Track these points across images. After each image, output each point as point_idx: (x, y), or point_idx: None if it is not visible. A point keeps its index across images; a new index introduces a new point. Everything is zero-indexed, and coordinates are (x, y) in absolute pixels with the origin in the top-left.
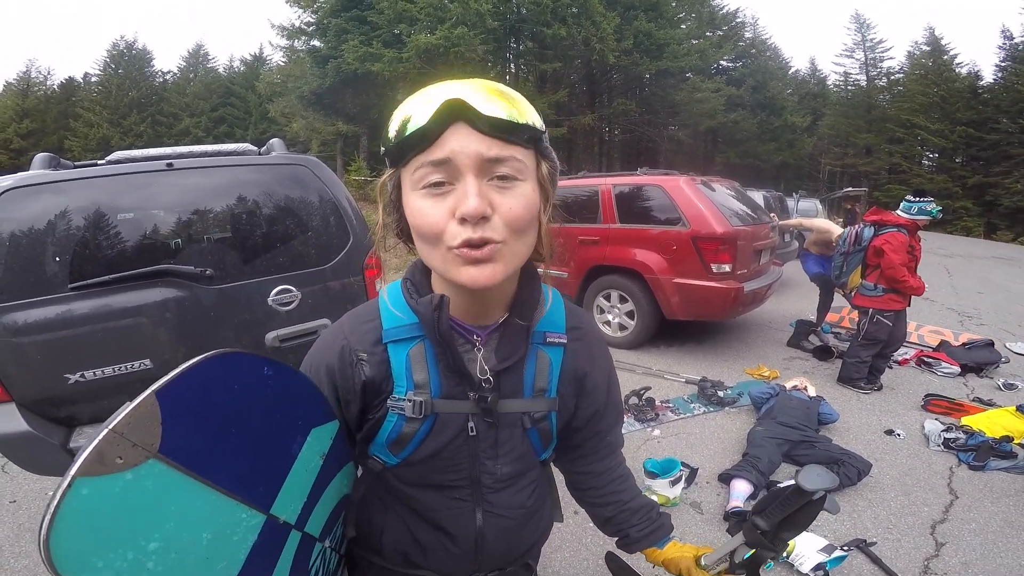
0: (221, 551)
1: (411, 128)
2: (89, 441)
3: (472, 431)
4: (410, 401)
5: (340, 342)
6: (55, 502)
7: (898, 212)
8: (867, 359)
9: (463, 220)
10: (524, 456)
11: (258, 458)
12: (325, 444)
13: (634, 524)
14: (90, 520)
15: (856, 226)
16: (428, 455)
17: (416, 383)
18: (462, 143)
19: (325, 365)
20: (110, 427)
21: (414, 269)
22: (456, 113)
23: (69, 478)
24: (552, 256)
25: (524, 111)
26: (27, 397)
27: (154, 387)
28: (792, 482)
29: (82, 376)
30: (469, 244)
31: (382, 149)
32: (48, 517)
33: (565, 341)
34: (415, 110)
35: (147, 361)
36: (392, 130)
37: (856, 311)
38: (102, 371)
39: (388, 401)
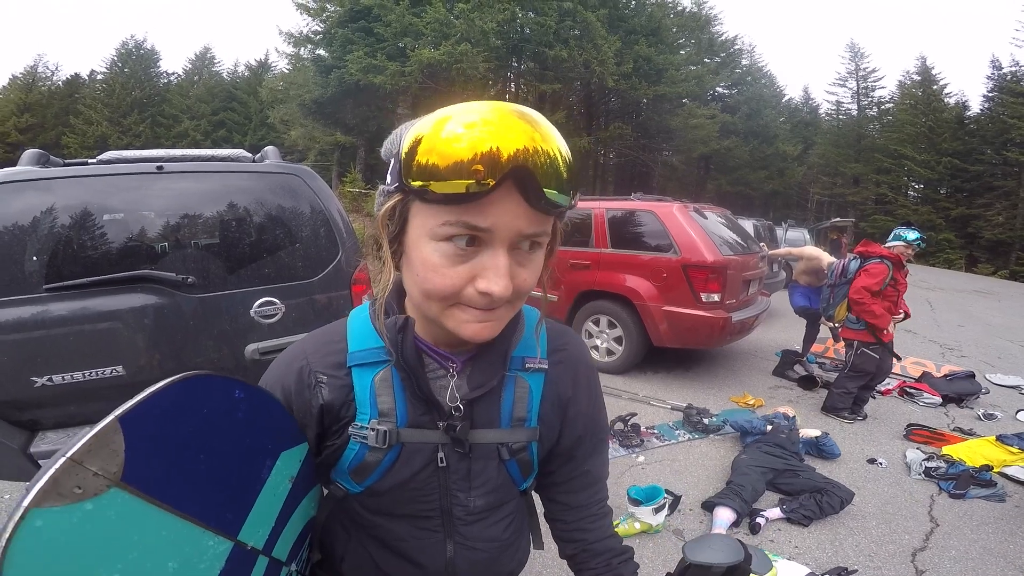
0: None
1: (455, 176)
2: (45, 469)
3: (442, 462)
4: (373, 430)
5: (299, 362)
6: (7, 534)
7: (892, 245)
8: (853, 390)
9: (486, 294)
10: (501, 488)
11: (226, 483)
12: (294, 467)
13: (591, 568)
14: (45, 552)
15: (844, 259)
16: (394, 485)
17: (381, 410)
18: (508, 217)
19: (281, 386)
20: (68, 455)
21: (393, 293)
22: (518, 182)
23: (22, 509)
24: (545, 302)
25: (575, 180)
26: None
27: (117, 412)
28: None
29: (49, 380)
30: (482, 310)
31: (396, 166)
32: None
33: (546, 367)
34: (462, 154)
35: (119, 368)
36: (422, 157)
37: (843, 343)
38: (71, 376)
39: (350, 428)
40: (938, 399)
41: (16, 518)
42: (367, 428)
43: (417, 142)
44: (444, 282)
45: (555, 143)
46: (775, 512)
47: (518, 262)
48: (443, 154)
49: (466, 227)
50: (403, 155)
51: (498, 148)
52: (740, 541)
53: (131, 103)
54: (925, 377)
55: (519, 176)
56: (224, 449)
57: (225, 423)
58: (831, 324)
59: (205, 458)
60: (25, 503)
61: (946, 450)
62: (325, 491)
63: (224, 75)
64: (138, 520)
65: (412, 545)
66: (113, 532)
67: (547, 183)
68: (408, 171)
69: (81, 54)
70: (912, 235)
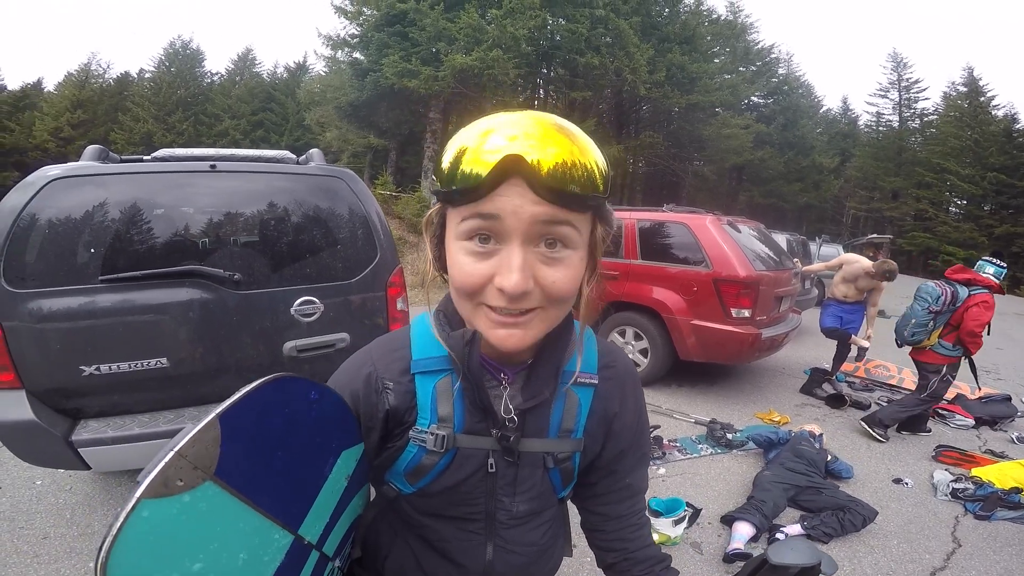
0: (251, 570)
1: (465, 173)
2: (154, 462)
3: (492, 468)
4: (432, 434)
5: (367, 368)
6: (119, 523)
7: (987, 274)
8: (916, 412)
9: (502, 291)
10: (543, 495)
11: (295, 479)
12: (351, 466)
13: (633, 575)
14: (147, 542)
15: (949, 286)
16: (445, 488)
17: (440, 416)
18: (515, 203)
19: (350, 390)
20: (175, 449)
21: (447, 301)
22: (514, 169)
23: (134, 500)
24: (587, 320)
25: (593, 168)
26: (39, 386)
27: (218, 410)
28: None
29: (97, 369)
30: (505, 312)
31: (432, 179)
32: (110, 538)
33: (596, 382)
34: (473, 153)
35: (163, 360)
36: (446, 163)
37: (918, 368)
38: (117, 366)
39: (410, 432)
40: (971, 421)
41: (128, 508)
42: (426, 432)
43: (448, 152)
44: (467, 279)
45: (566, 131)
46: (795, 528)
47: (543, 261)
48: (458, 156)
49: (478, 216)
50: (438, 163)
51: (500, 138)
52: (815, 546)
53: (176, 101)
54: (959, 399)
55: (516, 163)
56: (298, 447)
57: (301, 422)
58: (863, 344)
59: (282, 455)
60: (137, 493)
61: (975, 472)
62: (373, 491)
63: (264, 76)
64: (223, 512)
65: (455, 546)
66: (202, 523)
67: (550, 171)
68: (439, 173)
69: (131, 53)
70: (999, 268)
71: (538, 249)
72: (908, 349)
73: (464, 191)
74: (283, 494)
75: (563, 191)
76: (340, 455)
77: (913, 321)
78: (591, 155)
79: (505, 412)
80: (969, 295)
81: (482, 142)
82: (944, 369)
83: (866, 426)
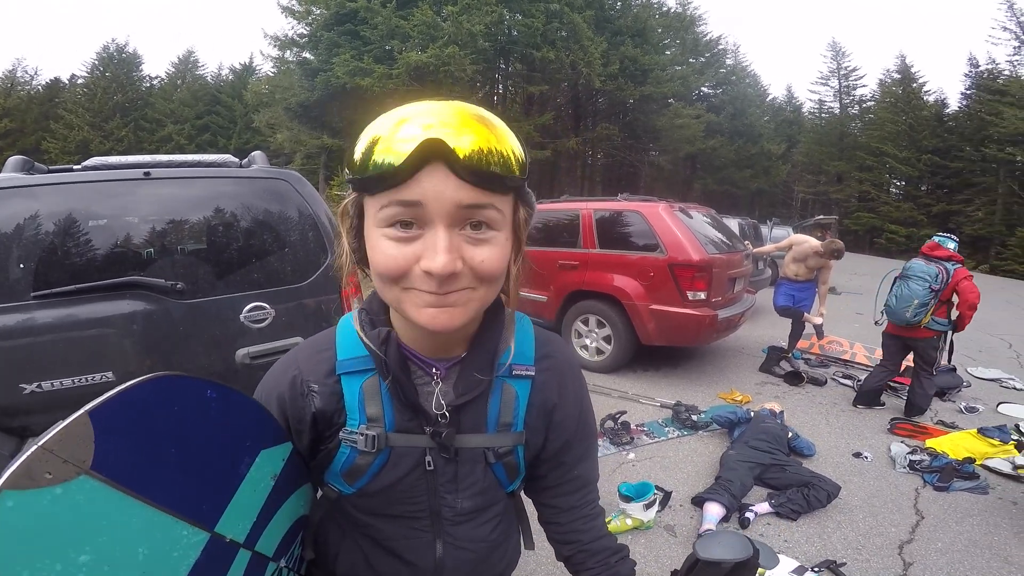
0: (159, 566)
1: (381, 162)
2: (18, 456)
3: (430, 465)
4: (362, 435)
5: (292, 372)
6: None
7: (950, 248)
8: (932, 390)
9: (429, 274)
10: (488, 490)
11: (201, 477)
12: (277, 465)
13: (589, 568)
14: (16, 530)
15: (938, 264)
16: (384, 487)
17: (369, 416)
18: (437, 188)
19: (276, 395)
20: (40, 444)
21: (372, 299)
22: (434, 154)
23: None
24: (516, 300)
25: (510, 155)
26: None
27: (87, 407)
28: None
29: (39, 387)
30: (435, 293)
31: (346, 171)
32: None
33: (533, 373)
34: (387, 142)
35: (109, 374)
36: (358, 153)
37: (910, 346)
38: (60, 382)
39: (341, 433)
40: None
41: None
42: (356, 433)
43: (361, 140)
44: (391, 263)
45: (482, 116)
46: (764, 507)
47: (469, 242)
48: (372, 144)
49: (400, 204)
50: (350, 153)
51: (415, 127)
52: (748, 538)
53: (113, 107)
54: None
55: (433, 148)
56: (197, 444)
57: (198, 420)
58: (815, 321)
59: (177, 452)
60: None
61: (930, 443)
62: (319, 492)
63: (208, 79)
64: (107, 506)
65: (402, 544)
66: (82, 516)
67: (469, 154)
68: (351, 164)
69: (61, 58)
70: (956, 242)
71: (463, 232)
72: (858, 325)
73: (383, 177)
74: (186, 491)
75: (484, 172)
76: (259, 454)
77: (916, 302)
78: (508, 142)
79: (437, 408)
80: (955, 270)
81: (396, 131)
82: (949, 337)
83: (910, 419)
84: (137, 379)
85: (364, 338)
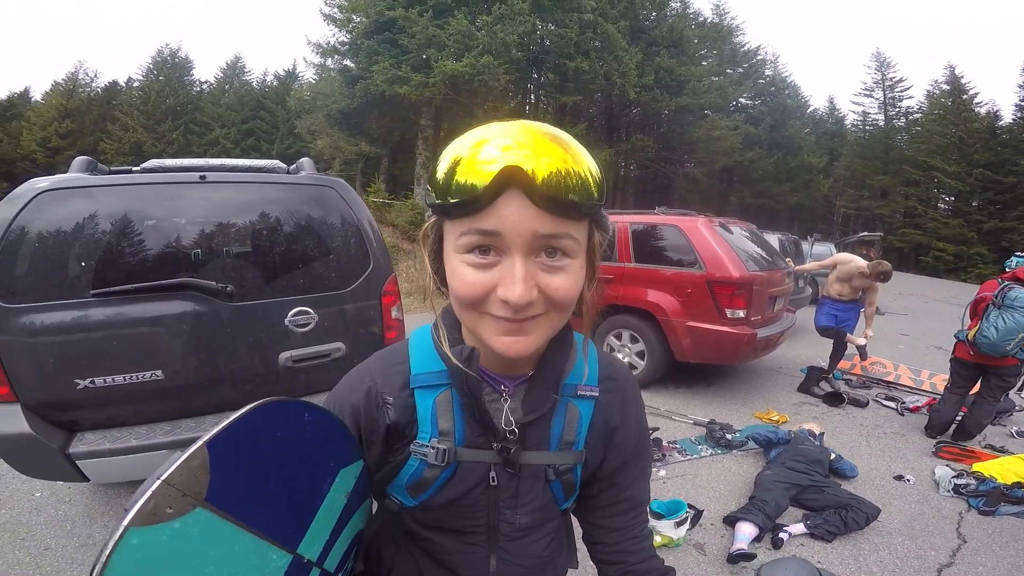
0: None
1: (464, 182)
2: (141, 491)
3: (493, 481)
4: (433, 448)
5: (367, 383)
6: (107, 551)
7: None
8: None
9: (505, 302)
10: (545, 507)
11: (291, 500)
12: (351, 483)
13: None
14: (138, 566)
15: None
16: (447, 501)
17: (441, 430)
18: (515, 218)
19: (350, 405)
20: (162, 478)
21: (446, 315)
22: (513, 182)
23: (122, 528)
24: (590, 326)
25: (587, 175)
26: (33, 399)
27: (205, 438)
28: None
29: (91, 382)
30: (510, 321)
31: (425, 187)
32: (99, 566)
33: (597, 394)
34: (468, 163)
35: (158, 372)
36: (441, 173)
37: (991, 373)
38: (112, 379)
39: (411, 446)
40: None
41: (116, 536)
42: (427, 446)
43: (442, 163)
44: (469, 290)
45: (562, 140)
46: (798, 527)
47: (544, 269)
48: (454, 166)
49: (478, 233)
50: (432, 173)
51: (496, 149)
52: (813, 565)
53: (165, 110)
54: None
55: (513, 175)
56: (292, 468)
57: (295, 444)
58: (859, 342)
59: (275, 477)
60: (125, 522)
61: (976, 467)
62: (375, 505)
63: (254, 84)
64: (216, 537)
65: (458, 559)
66: (195, 548)
67: (548, 182)
68: (434, 184)
69: (119, 61)
70: None
71: (539, 259)
72: (903, 346)
73: (461, 204)
74: (280, 515)
75: (561, 200)
76: (338, 474)
77: (1022, 335)
78: (584, 162)
79: (506, 425)
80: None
81: (476, 152)
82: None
83: (957, 443)
84: (248, 407)
85: (448, 353)
